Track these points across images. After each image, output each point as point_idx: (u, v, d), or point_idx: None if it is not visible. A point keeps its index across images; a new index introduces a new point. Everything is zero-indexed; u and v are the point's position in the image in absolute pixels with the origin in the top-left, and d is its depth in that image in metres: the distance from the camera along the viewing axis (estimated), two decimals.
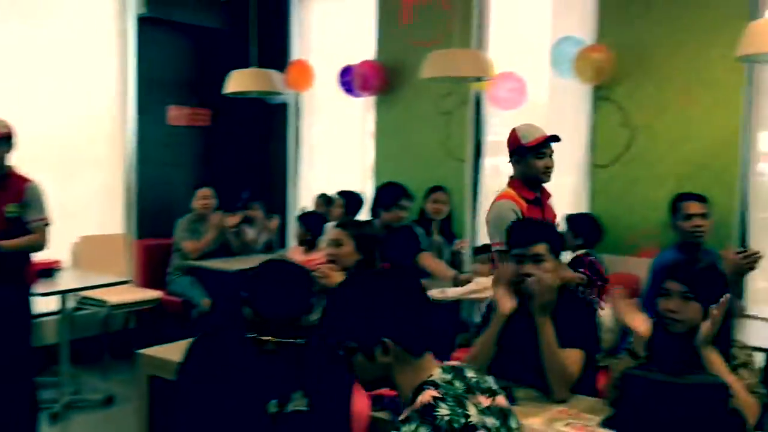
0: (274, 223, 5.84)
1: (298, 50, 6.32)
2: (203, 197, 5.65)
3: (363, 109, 5.90)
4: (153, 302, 5.40)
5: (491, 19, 5.26)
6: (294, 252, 5.06)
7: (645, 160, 4.64)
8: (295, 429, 1.98)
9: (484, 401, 1.56)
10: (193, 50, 6.40)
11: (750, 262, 3.44)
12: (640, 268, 4.28)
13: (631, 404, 1.88)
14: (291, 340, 1.97)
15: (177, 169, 6.25)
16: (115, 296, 5.08)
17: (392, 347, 1.55)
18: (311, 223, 5.05)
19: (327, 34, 6.21)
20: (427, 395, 1.49)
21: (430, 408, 1.46)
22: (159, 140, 6.11)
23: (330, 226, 4.71)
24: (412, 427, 1.44)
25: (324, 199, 5.69)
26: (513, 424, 1.61)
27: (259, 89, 5.22)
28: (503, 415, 1.58)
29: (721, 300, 2.16)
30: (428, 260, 4.48)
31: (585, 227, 4.56)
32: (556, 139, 3.17)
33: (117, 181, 5.89)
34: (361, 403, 2.21)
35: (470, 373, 1.61)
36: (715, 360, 2.15)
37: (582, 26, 4.81)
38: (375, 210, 4.49)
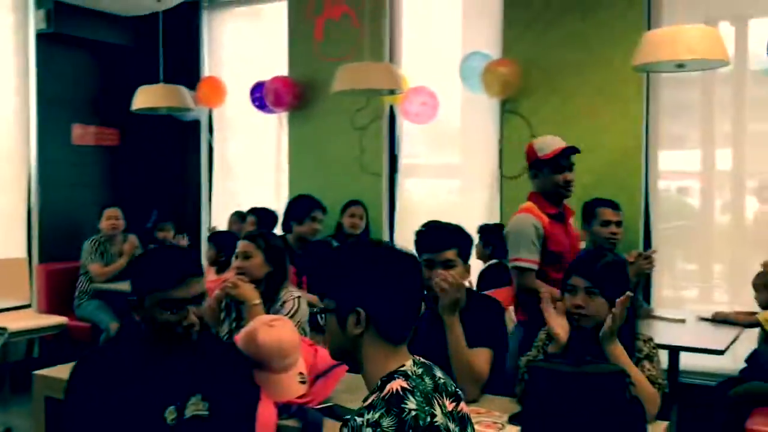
0: (183, 243, 5.65)
1: (209, 67, 6.22)
2: (111, 218, 5.45)
3: (277, 126, 5.84)
4: (58, 328, 5.14)
5: (403, 35, 5.33)
6: (206, 272, 4.91)
7: None
8: None
9: (449, 405, 1.51)
10: (98, 67, 6.22)
11: (648, 262, 3.61)
12: None
13: (535, 396, 1.89)
14: (184, 335, 1.88)
15: (83, 189, 6.03)
16: (15, 323, 4.81)
17: (364, 320, 1.49)
18: (223, 242, 4.91)
19: (239, 50, 6.15)
20: (397, 384, 1.43)
21: (398, 398, 1.40)
22: (63, 160, 5.90)
23: None
24: (375, 415, 1.38)
25: (238, 217, 5.58)
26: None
27: (167, 105, 5.11)
28: (464, 423, 1.54)
29: (622, 296, 2.21)
30: None
31: (496, 238, 4.63)
32: (574, 150, 3.06)
33: (19, 203, 5.63)
34: (267, 411, 2.16)
35: (438, 373, 1.56)
36: (618, 353, 2.20)
37: (490, 41, 4.93)
38: (287, 224, 4.43)
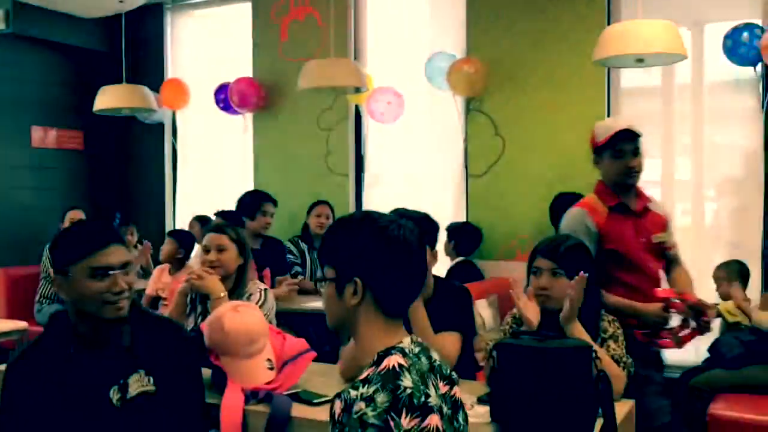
0: (147, 247, 5.55)
1: (172, 68, 6.17)
2: (74, 220, 5.35)
3: (242, 127, 5.81)
4: (18, 333, 5.01)
5: (367, 36, 5.35)
6: (160, 272, 4.78)
7: (516, 168, 4.82)
8: (144, 411, 1.89)
9: (443, 387, 1.50)
10: (59, 70, 6.12)
11: None
12: (517, 272, 4.39)
13: (502, 372, 1.90)
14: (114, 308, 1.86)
15: (44, 193, 5.93)
16: None
17: (361, 291, 1.47)
18: (182, 238, 4.83)
19: (203, 52, 6.11)
20: (394, 360, 1.41)
21: (394, 374, 1.38)
22: (22, 163, 5.78)
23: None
24: (370, 390, 1.36)
25: (200, 221, 5.51)
26: (461, 418, 1.55)
27: (130, 105, 5.05)
28: (456, 407, 1.53)
29: (577, 277, 2.23)
30: (305, 284, 4.60)
31: (461, 235, 4.67)
32: (630, 134, 2.72)
33: None
34: (234, 396, 2.13)
35: (435, 355, 1.55)
36: (578, 334, 2.22)
37: (454, 41, 4.98)
38: (239, 220, 4.40)
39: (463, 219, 4.96)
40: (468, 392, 2.25)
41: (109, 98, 5.03)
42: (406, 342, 1.49)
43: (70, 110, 6.09)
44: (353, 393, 1.37)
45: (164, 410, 1.92)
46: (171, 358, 1.96)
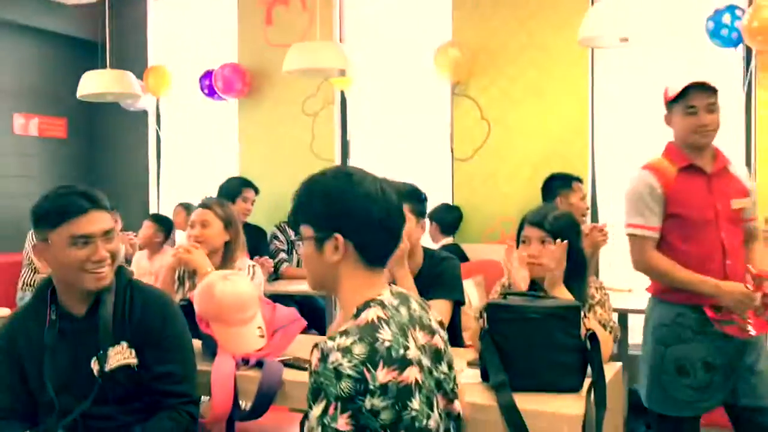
0: (132, 239, 5.51)
1: (156, 55, 6.13)
2: None
3: (227, 114, 5.80)
4: (0, 321, 4.97)
5: (353, 20, 5.35)
6: (139, 259, 4.76)
7: (501, 152, 4.85)
8: (124, 383, 1.89)
9: (423, 337, 1.49)
10: (42, 57, 6.07)
11: (603, 235, 3.72)
12: (502, 254, 4.43)
13: (493, 332, 1.92)
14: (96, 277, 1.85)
15: (27, 181, 5.87)
16: None
17: (342, 246, 1.46)
18: (163, 222, 4.83)
19: (187, 38, 6.08)
20: (373, 314, 1.41)
21: (373, 328, 1.38)
22: (4, 151, 5.73)
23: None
24: (348, 341, 1.35)
25: (185, 208, 5.50)
26: (444, 367, 1.54)
27: (114, 91, 5.00)
28: (437, 357, 1.52)
29: (557, 243, 2.27)
30: (291, 271, 4.61)
31: (441, 216, 4.70)
32: (705, 87, 2.46)
33: None
34: (225, 363, 2.13)
35: (415, 305, 1.54)
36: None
37: (440, 24, 4.99)
38: None
39: (449, 202, 4.98)
40: (458, 357, 2.28)
41: (93, 84, 4.98)
42: (386, 294, 1.49)
43: (53, 98, 6.04)
44: (330, 344, 1.37)
45: (146, 383, 1.91)
46: (156, 331, 1.93)
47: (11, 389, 1.90)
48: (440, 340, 1.56)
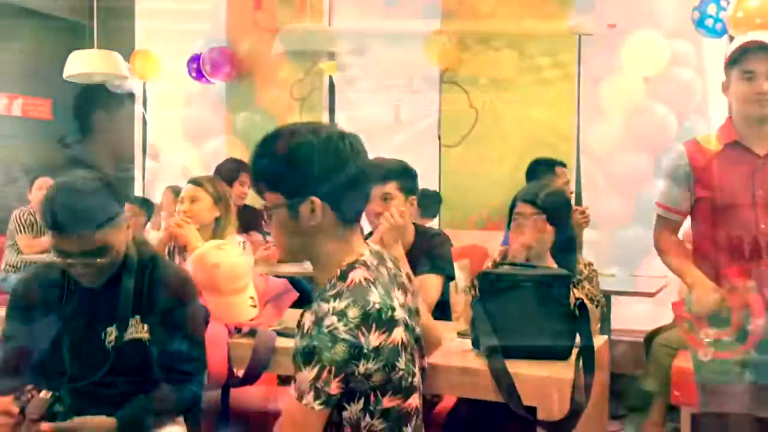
0: None
1: (143, 38, 6.10)
2: (43, 188, 5.26)
3: (216, 97, 5.78)
4: None
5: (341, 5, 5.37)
6: None
7: (489, 139, 4.90)
8: (134, 357, 1.88)
9: (400, 296, 1.49)
10: (27, 37, 5.99)
11: (584, 217, 3.77)
12: (487, 240, 4.48)
13: (484, 301, 1.95)
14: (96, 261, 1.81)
15: (10, 163, 5.82)
16: None
17: (320, 208, 1.41)
18: (146, 206, 4.82)
19: (175, 21, 6.05)
20: (360, 275, 1.40)
21: (363, 289, 1.38)
22: None
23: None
24: (341, 304, 1.35)
25: (173, 191, 5.48)
26: (416, 323, 1.54)
27: (101, 71, 4.96)
28: (410, 313, 1.52)
29: (534, 219, 2.30)
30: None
31: (421, 201, 4.71)
32: (765, 49, 2.07)
33: None
34: (218, 331, 2.15)
35: (389, 263, 1.54)
36: None
37: (429, 11, 5.02)
38: None
39: (436, 189, 5.02)
40: (447, 330, 2.31)
41: (80, 64, 4.94)
42: (367, 254, 1.48)
43: (37, 78, 5.98)
44: (324, 306, 1.36)
45: (155, 358, 1.91)
46: (170, 309, 1.92)
47: (21, 349, 1.90)
48: (412, 298, 1.57)
